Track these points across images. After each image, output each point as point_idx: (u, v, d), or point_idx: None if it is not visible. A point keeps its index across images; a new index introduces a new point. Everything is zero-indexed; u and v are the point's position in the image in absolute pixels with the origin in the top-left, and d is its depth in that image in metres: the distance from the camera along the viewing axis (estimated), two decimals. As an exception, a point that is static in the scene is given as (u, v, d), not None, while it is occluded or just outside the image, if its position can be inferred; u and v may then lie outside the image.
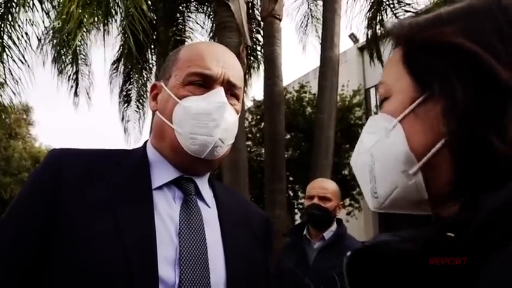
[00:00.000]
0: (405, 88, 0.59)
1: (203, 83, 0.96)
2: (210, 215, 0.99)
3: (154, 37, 9.40)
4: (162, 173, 0.97)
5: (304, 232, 2.59)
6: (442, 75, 0.55)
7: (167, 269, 0.85)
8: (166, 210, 0.93)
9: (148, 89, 1.09)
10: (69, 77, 9.31)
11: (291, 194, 12.53)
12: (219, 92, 0.95)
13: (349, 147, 12.16)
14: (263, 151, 9.45)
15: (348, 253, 0.67)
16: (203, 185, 1.02)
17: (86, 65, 9.50)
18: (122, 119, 11.01)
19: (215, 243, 0.95)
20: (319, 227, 2.54)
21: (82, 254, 0.82)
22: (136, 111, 11.00)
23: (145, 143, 1.05)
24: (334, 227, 2.55)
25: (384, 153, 0.60)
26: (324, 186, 2.62)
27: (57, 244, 0.84)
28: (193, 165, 0.98)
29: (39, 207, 0.87)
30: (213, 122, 0.94)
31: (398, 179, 0.58)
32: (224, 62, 0.98)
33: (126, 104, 10.90)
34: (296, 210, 13.24)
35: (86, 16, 4.74)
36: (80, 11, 4.45)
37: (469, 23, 0.57)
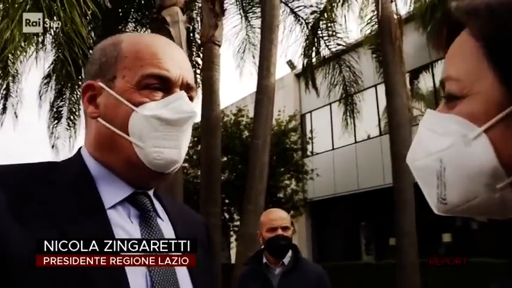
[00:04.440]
0: (490, 91, 0.50)
1: (161, 86, 0.83)
2: (166, 229, 0.89)
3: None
4: (112, 190, 0.83)
5: (264, 260, 2.76)
6: None
7: None
8: (126, 232, 0.81)
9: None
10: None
11: (227, 217, 12.56)
12: (183, 98, 0.84)
13: (284, 170, 12.48)
14: (199, 173, 9.46)
15: None
16: (154, 198, 0.91)
17: (14, 82, 9.09)
18: (51, 135, 10.59)
19: None
20: (282, 255, 2.72)
21: None
22: (67, 129, 10.61)
23: (79, 153, 0.89)
24: (290, 252, 2.74)
25: (462, 163, 0.53)
26: (283, 216, 2.80)
27: None
28: (151, 180, 0.87)
29: None
30: (182, 133, 0.84)
31: (480, 190, 0.52)
32: (179, 61, 0.87)
33: (56, 121, 10.49)
34: (232, 233, 13.26)
35: (18, 33, 4.62)
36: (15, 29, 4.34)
37: None
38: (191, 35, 8.77)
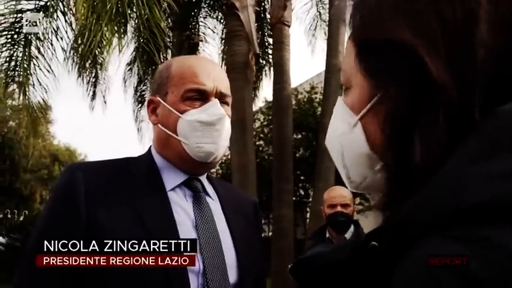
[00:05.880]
0: (361, 84, 0.56)
1: (199, 96, 1.08)
2: (215, 207, 1.13)
3: (169, 40, 9.69)
4: (172, 176, 1.09)
5: (327, 235, 2.97)
6: (385, 76, 0.52)
7: None
8: (182, 208, 1.06)
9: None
10: (88, 81, 9.69)
11: (302, 193, 12.72)
12: (216, 104, 1.08)
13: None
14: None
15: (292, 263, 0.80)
16: (205, 181, 1.16)
17: (102, 70, 9.82)
18: (136, 119, 11.29)
19: (223, 230, 1.10)
20: (342, 231, 2.92)
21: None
22: (150, 112, 11.22)
23: (149, 150, 1.16)
24: (352, 228, 2.93)
25: (349, 148, 0.59)
26: (343, 194, 2.99)
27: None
28: (198, 168, 1.12)
29: (74, 223, 0.95)
30: (216, 132, 1.08)
31: (367, 172, 0.58)
32: (214, 75, 1.10)
33: (139, 105, 11.11)
34: (307, 209, 13.39)
35: (107, 28, 5.07)
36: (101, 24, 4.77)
37: (412, 12, 0.50)
38: (262, 15, 8.88)
